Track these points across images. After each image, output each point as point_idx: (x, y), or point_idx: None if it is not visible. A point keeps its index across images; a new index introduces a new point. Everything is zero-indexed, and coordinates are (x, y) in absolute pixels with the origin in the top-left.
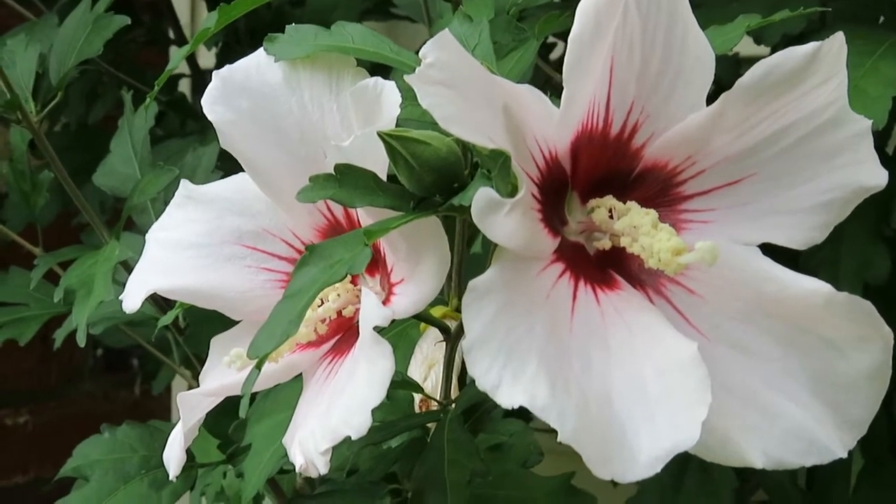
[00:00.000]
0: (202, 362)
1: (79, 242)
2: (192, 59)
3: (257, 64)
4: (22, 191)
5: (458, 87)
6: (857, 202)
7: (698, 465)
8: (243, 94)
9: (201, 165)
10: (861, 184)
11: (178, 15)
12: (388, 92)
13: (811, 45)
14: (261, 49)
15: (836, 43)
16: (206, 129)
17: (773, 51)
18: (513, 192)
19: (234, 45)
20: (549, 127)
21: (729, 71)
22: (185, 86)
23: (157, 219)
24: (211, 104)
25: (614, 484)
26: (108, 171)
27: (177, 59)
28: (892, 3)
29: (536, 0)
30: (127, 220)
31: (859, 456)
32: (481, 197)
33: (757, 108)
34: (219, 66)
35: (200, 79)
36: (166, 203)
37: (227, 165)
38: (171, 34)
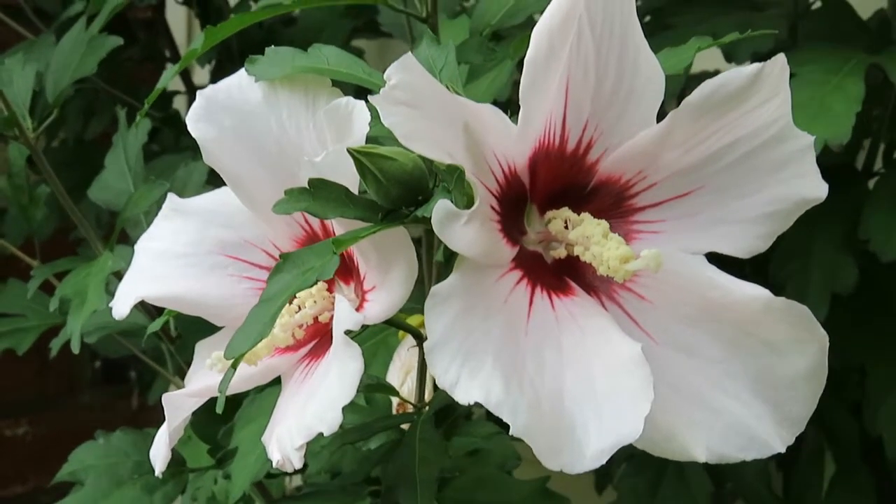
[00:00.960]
0: None
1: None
2: (186, 77)
3: (239, 84)
4: (20, 204)
5: (420, 107)
6: (800, 213)
7: (675, 473)
8: (226, 112)
9: (192, 180)
10: (803, 196)
11: (175, 33)
12: (358, 111)
13: (753, 67)
14: (242, 69)
15: (778, 65)
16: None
17: None
18: (469, 203)
19: (227, 63)
20: (508, 143)
21: None
22: (179, 102)
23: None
24: (195, 122)
25: (599, 491)
26: (102, 185)
27: (166, 78)
28: (858, 24)
29: (510, 21)
30: (121, 233)
31: (832, 462)
32: (440, 208)
33: (704, 125)
34: (213, 83)
35: (195, 96)
36: None
37: (218, 181)
38: (168, 52)
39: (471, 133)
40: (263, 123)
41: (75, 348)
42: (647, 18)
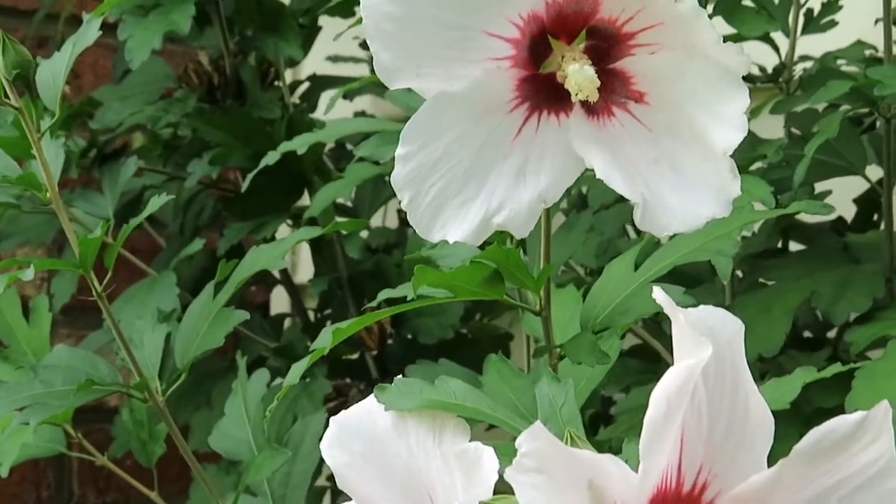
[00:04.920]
0: None
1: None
2: (297, 300)
3: (368, 410)
4: (140, 439)
5: (548, 472)
6: None
7: None
8: (356, 437)
9: (308, 433)
10: None
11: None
12: (486, 458)
13: (858, 415)
14: (371, 396)
15: (881, 410)
16: (309, 376)
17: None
18: None
19: (336, 290)
20: (627, 490)
21: None
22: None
23: (267, 487)
24: (328, 448)
25: None
26: (222, 434)
27: (295, 375)
28: None
29: (619, 319)
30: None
31: None
32: None
33: (811, 469)
34: (320, 307)
35: (305, 319)
36: None
37: None
38: (277, 274)
39: (595, 490)
40: (393, 448)
41: None
42: (741, 273)
